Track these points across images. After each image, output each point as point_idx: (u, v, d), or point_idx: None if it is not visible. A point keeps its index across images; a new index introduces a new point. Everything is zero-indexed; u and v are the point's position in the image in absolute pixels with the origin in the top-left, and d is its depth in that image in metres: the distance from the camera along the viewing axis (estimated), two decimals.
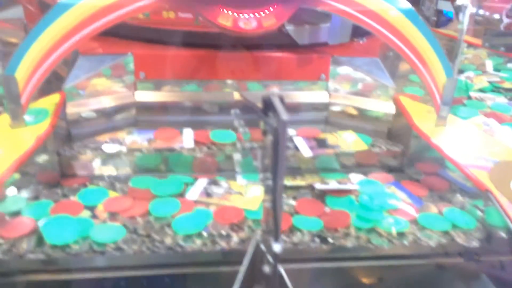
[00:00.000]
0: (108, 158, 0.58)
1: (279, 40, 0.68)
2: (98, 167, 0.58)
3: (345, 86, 0.71)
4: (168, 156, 0.59)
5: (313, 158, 0.60)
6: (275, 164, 0.31)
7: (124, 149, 0.59)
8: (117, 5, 0.51)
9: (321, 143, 0.63)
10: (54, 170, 0.56)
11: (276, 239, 0.32)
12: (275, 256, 0.34)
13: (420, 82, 0.71)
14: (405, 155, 0.63)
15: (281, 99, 0.32)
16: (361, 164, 0.62)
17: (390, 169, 0.63)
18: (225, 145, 0.61)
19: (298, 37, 0.68)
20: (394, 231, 0.50)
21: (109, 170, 0.58)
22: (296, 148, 0.61)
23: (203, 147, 0.60)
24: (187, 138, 0.62)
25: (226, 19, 0.51)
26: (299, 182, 0.59)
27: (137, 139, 0.61)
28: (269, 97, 0.32)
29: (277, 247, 0.32)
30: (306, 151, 0.60)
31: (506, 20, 1.06)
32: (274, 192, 0.31)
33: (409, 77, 0.85)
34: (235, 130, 0.63)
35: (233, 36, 0.57)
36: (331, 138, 0.64)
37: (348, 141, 0.64)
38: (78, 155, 0.57)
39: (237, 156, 0.59)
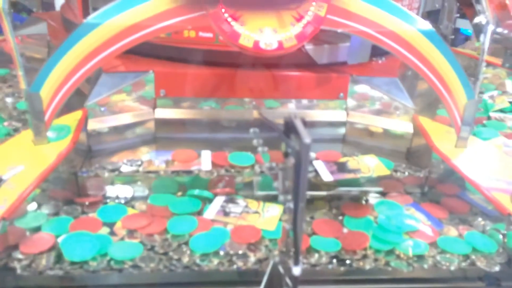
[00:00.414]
0: (125, 180, 0.58)
1: (298, 59, 0.69)
2: (115, 189, 0.58)
3: (363, 105, 0.71)
4: (185, 179, 0.59)
5: (334, 182, 0.59)
6: (297, 187, 0.31)
7: (141, 170, 0.59)
8: (142, 25, 0.52)
9: (342, 167, 0.62)
10: (73, 187, 0.57)
11: (296, 262, 0.32)
12: (294, 279, 0.34)
13: None
14: (426, 179, 0.62)
15: (303, 121, 0.32)
16: (384, 191, 0.61)
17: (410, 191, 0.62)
18: (244, 168, 0.61)
19: (317, 56, 0.68)
20: (413, 253, 0.50)
21: (126, 193, 0.57)
22: (316, 172, 0.61)
23: (221, 170, 0.60)
24: (205, 160, 0.62)
25: (248, 40, 0.52)
26: (317, 192, 0.58)
27: (155, 160, 0.61)
28: (291, 119, 0.32)
29: (296, 270, 0.32)
30: (326, 176, 0.60)
31: None
32: (295, 215, 0.31)
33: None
34: (253, 150, 0.63)
35: (252, 55, 0.58)
36: (352, 162, 0.63)
37: (370, 165, 0.62)
38: (95, 176, 0.58)
39: (256, 179, 0.59)
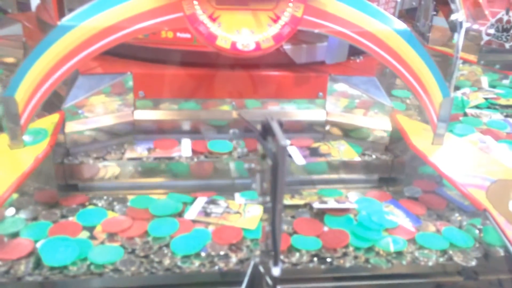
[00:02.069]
0: (109, 166, 0.60)
1: (277, 59, 0.69)
2: (101, 175, 0.60)
3: (342, 104, 0.72)
4: (167, 164, 0.61)
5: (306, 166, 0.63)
6: (274, 188, 0.31)
7: (125, 156, 0.62)
8: (118, 27, 0.51)
9: (314, 152, 0.65)
10: (53, 190, 0.57)
11: (276, 263, 0.32)
12: (274, 278, 0.34)
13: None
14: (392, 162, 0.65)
15: (280, 123, 0.32)
16: (351, 171, 0.65)
17: (380, 178, 0.65)
18: (222, 154, 0.64)
19: (296, 56, 0.69)
20: (392, 250, 0.50)
21: (111, 177, 0.60)
22: (290, 156, 0.63)
23: (200, 156, 0.63)
24: (185, 147, 0.65)
25: (225, 41, 0.52)
26: (297, 201, 0.59)
27: (137, 148, 0.64)
28: (268, 121, 0.32)
29: (276, 271, 0.32)
30: (299, 160, 0.62)
31: (485, 38, 1.07)
32: (273, 216, 0.31)
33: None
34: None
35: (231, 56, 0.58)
36: (323, 147, 0.67)
37: (340, 150, 0.67)
38: (81, 164, 0.59)
39: (233, 165, 0.63)
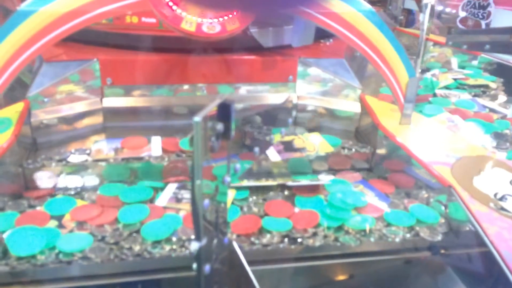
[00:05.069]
0: (74, 170, 0.57)
1: (245, 44, 0.69)
2: (63, 180, 0.56)
3: (313, 87, 0.72)
4: (135, 166, 0.58)
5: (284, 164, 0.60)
6: (192, 163, 0.31)
7: (90, 159, 0.58)
8: (78, 11, 0.50)
9: (288, 147, 0.63)
10: (19, 181, 0.55)
11: (197, 238, 0.32)
12: (197, 256, 0.34)
13: None
14: (373, 154, 0.64)
15: (230, 105, 0.32)
16: (330, 167, 0.63)
17: (358, 168, 0.64)
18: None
19: (263, 40, 0.68)
20: (364, 228, 0.51)
21: (75, 183, 0.56)
22: (264, 153, 0.61)
23: (171, 155, 0.60)
24: (155, 146, 0.61)
25: (190, 24, 0.51)
26: (270, 182, 0.59)
27: (104, 148, 0.60)
28: (221, 102, 0.33)
29: (194, 246, 0.32)
30: (273, 156, 0.60)
31: (462, 14, 1.08)
32: (192, 192, 0.31)
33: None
34: None
35: (199, 40, 0.58)
36: (298, 140, 0.65)
37: (315, 143, 0.64)
38: (42, 167, 0.56)
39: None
